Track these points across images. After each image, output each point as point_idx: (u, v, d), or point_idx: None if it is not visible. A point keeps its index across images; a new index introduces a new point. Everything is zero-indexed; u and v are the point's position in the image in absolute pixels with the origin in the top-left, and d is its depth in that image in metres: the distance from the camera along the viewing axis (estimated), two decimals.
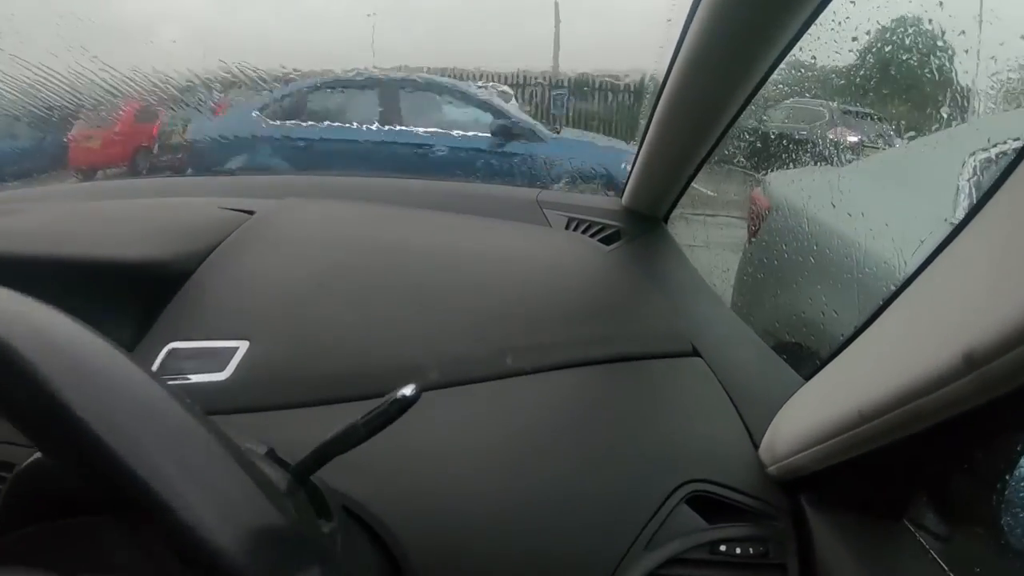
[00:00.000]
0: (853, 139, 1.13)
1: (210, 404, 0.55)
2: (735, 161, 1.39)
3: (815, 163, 1.09)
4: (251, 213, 0.91)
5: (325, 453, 0.41)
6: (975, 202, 0.38)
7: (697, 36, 0.67)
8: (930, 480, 0.65)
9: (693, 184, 0.95)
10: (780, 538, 0.55)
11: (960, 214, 0.40)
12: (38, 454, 0.39)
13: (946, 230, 0.41)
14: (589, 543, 0.54)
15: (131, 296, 0.73)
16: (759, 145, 1.30)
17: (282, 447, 0.45)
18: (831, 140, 1.09)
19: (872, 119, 1.15)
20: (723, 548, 0.53)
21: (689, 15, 0.66)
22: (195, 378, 0.63)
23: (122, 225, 0.83)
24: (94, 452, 0.27)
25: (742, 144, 1.29)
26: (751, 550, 0.54)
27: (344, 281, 0.77)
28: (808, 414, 0.53)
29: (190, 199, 1.03)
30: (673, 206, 1.01)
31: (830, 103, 1.18)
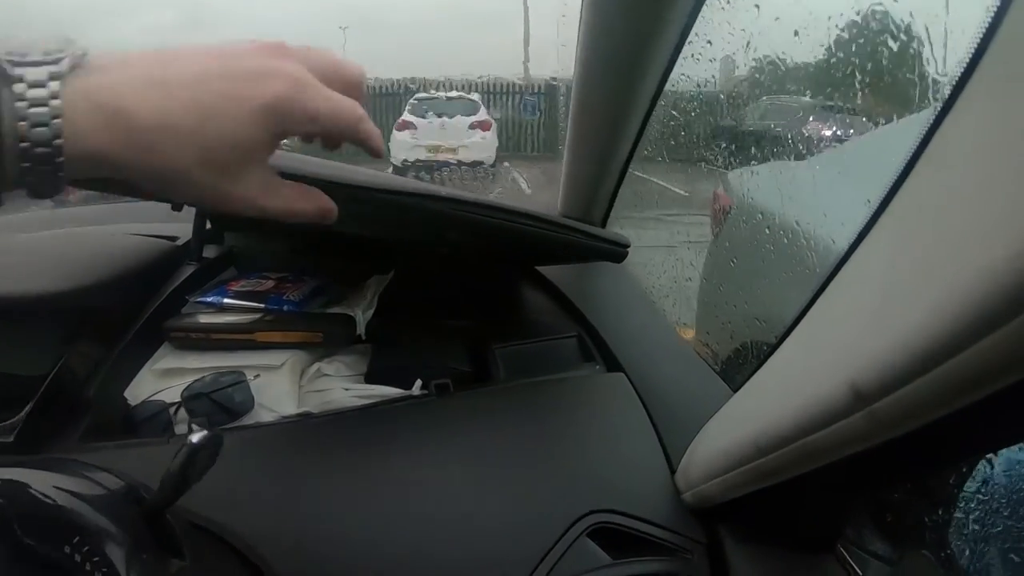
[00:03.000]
0: (827, 133, 1.07)
1: None
2: (711, 160, 1.36)
3: (779, 158, 1.03)
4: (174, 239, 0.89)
5: (164, 498, 0.40)
6: (875, 209, 0.34)
7: (590, 34, 0.69)
8: (865, 509, 0.62)
9: (665, 184, 0.92)
10: (693, 573, 0.50)
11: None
12: None
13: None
14: None
15: (42, 328, 0.71)
16: (732, 143, 1.27)
17: None
18: (803, 135, 1.03)
19: (847, 113, 1.09)
20: None
21: (580, 16, 0.68)
22: None
23: (44, 258, 0.80)
24: None
25: (718, 143, 1.27)
26: None
27: None
28: (717, 439, 0.48)
29: (101, 227, 1.00)
30: (609, 210, 0.97)
31: (804, 99, 1.15)
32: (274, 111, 0.36)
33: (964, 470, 0.58)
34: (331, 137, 0.42)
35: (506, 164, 6.14)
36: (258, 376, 0.72)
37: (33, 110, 0.31)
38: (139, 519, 0.39)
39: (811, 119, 1.12)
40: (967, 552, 0.57)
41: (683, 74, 0.87)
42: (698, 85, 0.97)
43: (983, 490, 0.58)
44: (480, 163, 6.08)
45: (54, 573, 0.32)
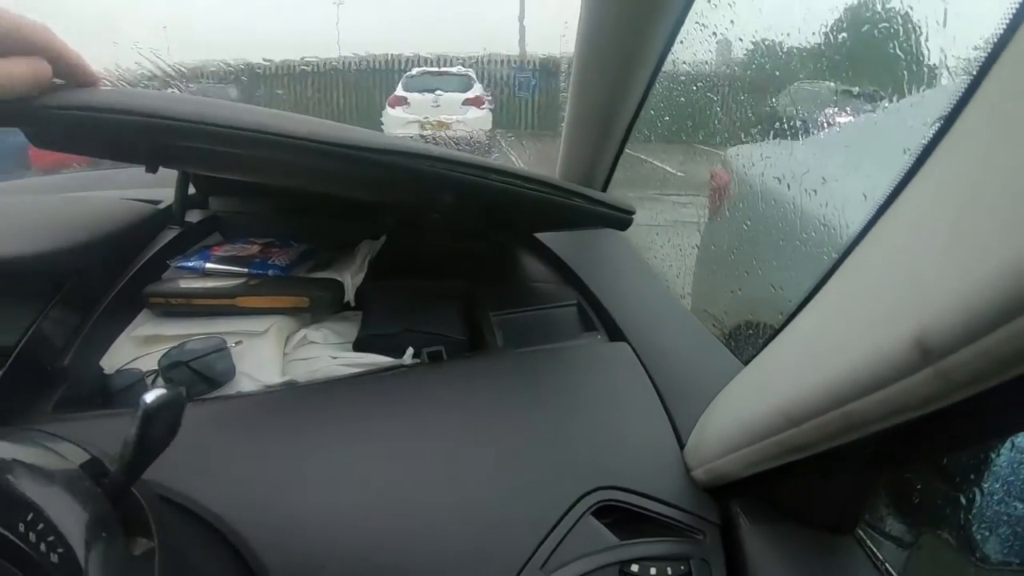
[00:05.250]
0: (845, 119, 1.07)
1: None
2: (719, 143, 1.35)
3: (784, 137, 1.02)
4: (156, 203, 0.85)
5: (128, 472, 0.36)
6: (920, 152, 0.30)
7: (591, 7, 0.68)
8: (890, 489, 0.58)
9: (667, 167, 0.90)
10: (705, 555, 0.46)
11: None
12: None
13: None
14: (474, 566, 0.45)
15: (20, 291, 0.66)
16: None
17: None
18: (821, 120, 1.03)
19: (864, 98, 1.08)
20: (635, 568, 0.45)
21: None
22: None
23: (13, 221, 0.75)
24: None
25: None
26: (669, 570, 0.45)
27: None
28: (733, 410, 0.44)
29: (94, 193, 0.95)
30: (607, 181, 0.93)
31: (828, 84, 1.13)
32: None
33: (989, 454, 0.55)
34: None
35: (500, 141, 6.08)
36: (240, 343, 0.68)
37: None
38: (102, 495, 0.36)
39: (832, 106, 1.10)
40: (987, 533, 0.54)
41: (689, 59, 0.88)
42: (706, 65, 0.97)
43: (1007, 469, 0.54)
44: (473, 140, 6.05)
45: (6, 552, 0.30)
